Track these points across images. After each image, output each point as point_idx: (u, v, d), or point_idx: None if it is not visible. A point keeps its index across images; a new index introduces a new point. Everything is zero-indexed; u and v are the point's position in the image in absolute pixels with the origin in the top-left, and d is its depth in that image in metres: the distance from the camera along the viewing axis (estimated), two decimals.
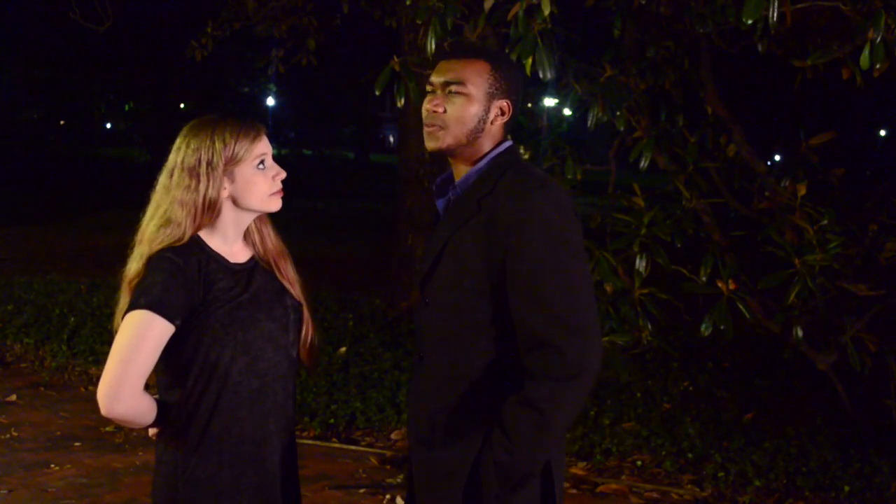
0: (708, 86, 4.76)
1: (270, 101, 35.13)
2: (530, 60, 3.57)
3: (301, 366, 2.19)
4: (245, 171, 2.03)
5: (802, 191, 4.15)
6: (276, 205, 2.09)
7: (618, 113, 4.18)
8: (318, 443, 4.92)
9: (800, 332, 4.15)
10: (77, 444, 4.82)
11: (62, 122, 27.57)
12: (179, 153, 2.03)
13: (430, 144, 2.06)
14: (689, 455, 4.69)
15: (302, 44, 8.14)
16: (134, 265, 2.00)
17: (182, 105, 28.16)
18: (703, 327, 4.02)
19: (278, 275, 2.15)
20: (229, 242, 2.09)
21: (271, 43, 8.99)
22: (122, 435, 4.90)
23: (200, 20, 8.25)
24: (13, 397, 5.57)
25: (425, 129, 2.07)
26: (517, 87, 2.10)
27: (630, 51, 4.59)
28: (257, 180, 2.05)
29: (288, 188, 2.15)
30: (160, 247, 1.98)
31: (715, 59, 4.83)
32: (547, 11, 3.54)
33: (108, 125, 39.36)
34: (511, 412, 1.90)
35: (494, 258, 1.94)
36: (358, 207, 20.05)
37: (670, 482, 4.51)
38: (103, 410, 1.91)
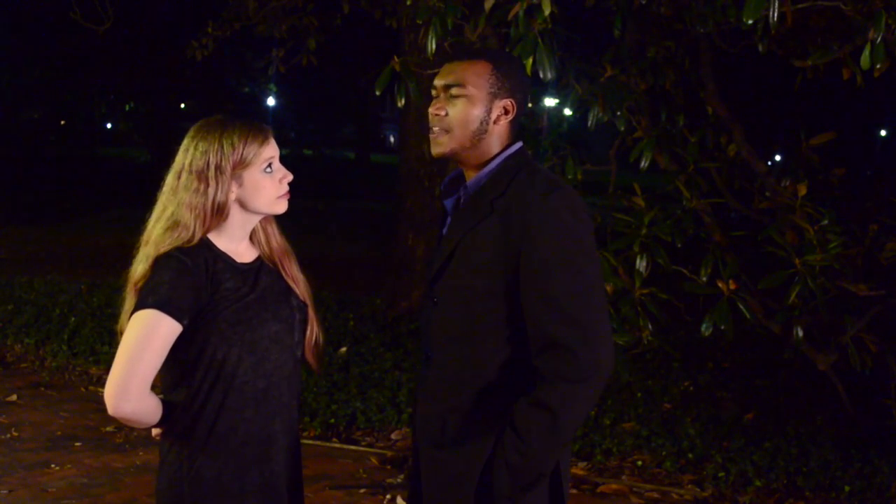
0: (708, 86, 4.76)
1: (271, 102, 35.11)
2: (530, 60, 3.56)
3: (306, 366, 2.19)
4: (253, 174, 2.03)
5: (803, 191, 4.15)
6: (282, 207, 2.09)
7: (618, 113, 4.19)
8: (318, 443, 4.92)
9: (800, 332, 4.15)
10: (77, 443, 4.82)
11: (62, 122, 27.52)
12: (187, 155, 2.02)
13: (435, 150, 2.06)
14: (690, 455, 4.70)
15: (302, 44, 8.13)
16: (140, 267, 1.99)
17: (182, 105, 28.13)
18: (703, 327, 4.02)
19: (283, 274, 2.15)
20: (236, 242, 2.09)
21: (271, 43, 8.99)
22: (122, 435, 4.90)
23: (201, 20, 8.25)
24: (13, 397, 5.57)
25: (430, 134, 2.07)
26: (521, 86, 2.09)
27: (630, 51, 4.58)
28: (265, 184, 2.04)
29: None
30: (168, 248, 1.97)
31: (715, 59, 4.83)
32: (547, 11, 3.54)
33: (109, 125, 39.32)
34: (523, 414, 1.90)
35: (508, 259, 1.94)
36: (358, 207, 20.04)
37: (671, 482, 4.51)
38: (110, 409, 1.91)
